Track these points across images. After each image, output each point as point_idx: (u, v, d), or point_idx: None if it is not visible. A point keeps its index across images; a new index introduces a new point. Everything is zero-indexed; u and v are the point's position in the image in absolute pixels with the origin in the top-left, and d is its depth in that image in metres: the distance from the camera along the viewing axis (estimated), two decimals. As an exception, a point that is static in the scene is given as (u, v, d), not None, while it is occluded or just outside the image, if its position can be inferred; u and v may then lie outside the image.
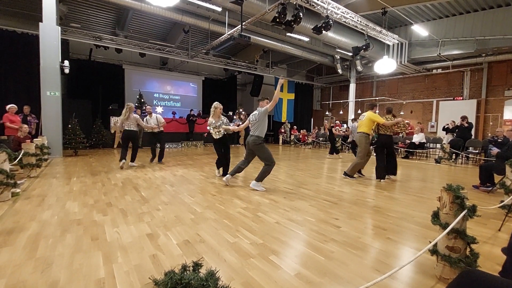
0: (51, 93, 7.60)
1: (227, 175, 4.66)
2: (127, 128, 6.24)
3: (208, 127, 5.18)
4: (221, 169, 5.47)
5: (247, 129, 5.70)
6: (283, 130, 16.23)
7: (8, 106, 7.01)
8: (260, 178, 4.38)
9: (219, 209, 3.30)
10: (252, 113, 4.52)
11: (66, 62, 7.98)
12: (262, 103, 4.43)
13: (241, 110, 16.14)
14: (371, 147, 6.37)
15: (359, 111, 15.83)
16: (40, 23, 7.40)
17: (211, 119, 5.08)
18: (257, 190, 4.30)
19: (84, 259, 2.00)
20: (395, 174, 5.44)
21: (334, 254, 2.16)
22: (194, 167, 6.53)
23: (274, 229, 2.67)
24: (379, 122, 5.21)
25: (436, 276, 1.85)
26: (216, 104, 5.11)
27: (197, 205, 3.45)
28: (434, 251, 1.83)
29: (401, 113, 15.51)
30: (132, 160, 6.52)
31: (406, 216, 3.18)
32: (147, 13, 9.37)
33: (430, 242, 1.69)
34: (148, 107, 6.71)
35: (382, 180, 5.27)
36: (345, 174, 5.53)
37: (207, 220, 2.89)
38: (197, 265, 0.90)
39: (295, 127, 16.36)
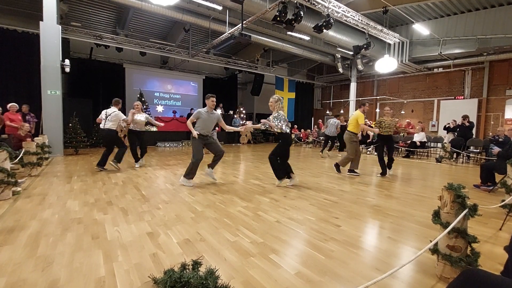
0: (51, 92, 7.60)
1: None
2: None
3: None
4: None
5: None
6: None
7: (9, 105, 7.02)
8: (186, 174, 4.45)
9: (219, 208, 3.30)
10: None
11: (67, 61, 7.98)
12: (207, 101, 4.50)
13: (241, 109, 16.16)
14: (372, 145, 6.54)
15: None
16: (40, 22, 7.40)
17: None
18: (184, 185, 4.43)
19: (85, 258, 2.00)
20: (390, 168, 5.94)
21: (334, 253, 2.16)
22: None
23: (274, 228, 2.67)
24: (360, 122, 5.52)
25: (437, 275, 1.84)
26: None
27: (198, 204, 3.45)
28: (434, 250, 1.83)
29: (402, 112, 15.48)
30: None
31: (406, 215, 3.18)
32: (147, 12, 9.36)
33: (431, 241, 1.68)
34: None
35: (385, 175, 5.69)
36: (336, 166, 5.88)
37: (208, 219, 2.89)
38: (196, 264, 0.90)
39: (295, 126, 16.35)
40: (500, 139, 7.12)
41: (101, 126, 5.61)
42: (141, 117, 6.23)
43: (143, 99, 12.68)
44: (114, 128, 5.64)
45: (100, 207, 3.25)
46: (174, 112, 13.93)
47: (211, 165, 4.75)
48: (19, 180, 4.06)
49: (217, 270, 0.92)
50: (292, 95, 17.71)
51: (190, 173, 4.44)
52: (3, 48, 9.52)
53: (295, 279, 1.78)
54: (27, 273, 1.79)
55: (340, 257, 2.09)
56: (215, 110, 4.72)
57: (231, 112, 15.05)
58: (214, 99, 4.56)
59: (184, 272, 0.85)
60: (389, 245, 2.35)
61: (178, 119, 13.08)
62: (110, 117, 5.55)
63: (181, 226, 2.68)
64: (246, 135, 14.83)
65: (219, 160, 4.78)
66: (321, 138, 13.92)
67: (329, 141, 9.82)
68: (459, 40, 11.01)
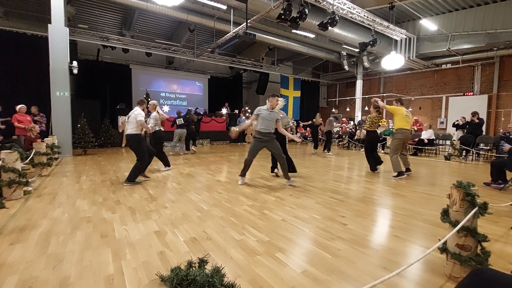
0: (60, 93, 7.73)
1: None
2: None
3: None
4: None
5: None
6: (289, 128, 16.15)
7: (18, 107, 7.17)
8: (242, 172, 4.59)
9: (225, 206, 3.32)
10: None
11: (75, 63, 8.10)
12: (273, 99, 4.46)
13: (247, 108, 16.15)
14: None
15: (366, 108, 15.66)
16: (49, 24, 7.52)
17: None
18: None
19: (94, 256, 2.04)
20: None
21: (341, 252, 2.15)
22: (201, 165, 6.56)
23: (280, 227, 2.67)
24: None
25: (446, 275, 1.82)
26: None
27: (204, 203, 3.47)
28: (443, 249, 1.80)
29: (410, 109, 15.26)
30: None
31: (414, 213, 3.14)
32: (153, 12, 9.43)
33: (440, 240, 1.66)
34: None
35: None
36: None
37: (214, 218, 2.90)
38: (202, 262, 0.91)
39: (301, 124, 16.27)
40: (510, 136, 6.97)
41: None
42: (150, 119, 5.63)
43: (149, 99, 12.80)
44: (135, 133, 4.58)
45: (109, 206, 3.30)
46: (180, 112, 14.00)
47: (285, 176, 4.54)
48: (30, 180, 4.15)
49: (223, 268, 0.93)
50: (298, 93, 17.63)
51: (243, 171, 4.58)
52: (13, 51, 9.73)
53: (302, 277, 1.78)
54: (39, 270, 1.83)
55: (347, 256, 2.08)
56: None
57: (237, 111, 15.07)
58: (279, 99, 4.59)
59: (191, 270, 0.86)
60: (396, 243, 2.33)
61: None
62: (129, 119, 4.61)
63: (187, 224, 2.70)
64: (251, 134, 14.84)
65: (285, 167, 4.52)
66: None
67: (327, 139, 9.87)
68: (468, 35, 10.78)
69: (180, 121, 8.52)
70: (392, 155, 5.33)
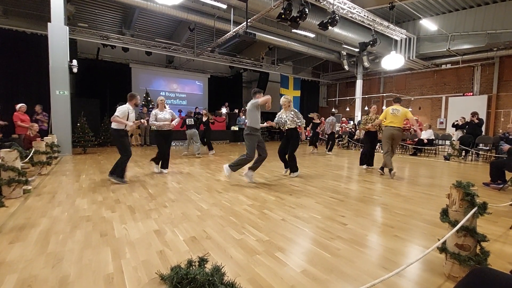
0: (60, 92, 7.72)
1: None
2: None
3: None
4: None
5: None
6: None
7: (18, 106, 7.16)
8: (234, 167, 4.55)
9: (225, 206, 3.32)
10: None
11: (75, 62, 8.08)
12: (260, 95, 4.67)
13: (247, 107, 16.14)
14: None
15: (366, 108, 15.67)
16: (48, 23, 7.50)
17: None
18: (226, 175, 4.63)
19: (93, 255, 2.03)
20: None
21: (340, 252, 2.15)
22: (201, 165, 6.56)
23: (280, 226, 2.67)
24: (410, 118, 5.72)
25: (445, 274, 1.82)
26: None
27: (204, 202, 3.47)
28: (443, 248, 1.80)
29: (409, 109, 15.26)
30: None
31: (414, 213, 3.14)
32: (153, 11, 9.42)
33: (439, 240, 1.66)
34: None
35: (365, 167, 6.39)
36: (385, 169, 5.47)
37: (214, 217, 2.90)
38: (202, 261, 0.91)
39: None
40: (510, 136, 6.98)
41: None
42: (165, 114, 5.38)
43: (149, 98, 12.81)
44: (116, 128, 4.43)
45: (108, 205, 3.30)
46: (180, 111, 14.01)
47: (253, 168, 4.70)
48: (30, 179, 4.14)
49: (223, 267, 0.93)
50: (297, 93, 17.63)
51: (237, 167, 4.56)
52: (13, 50, 9.71)
53: (301, 277, 1.78)
54: (38, 269, 1.83)
55: (346, 256, 2.09)
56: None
57: (237, 110, 15.07)
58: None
59: (191, 268, 0.86)
60: (396, 243, 2.33)
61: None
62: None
63: (187, 224, 2.70)
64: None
65: (262, 160, 4.74)
66: (326, 136, 13.86)
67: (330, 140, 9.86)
68: (468, 35, 10.79)
69: (190, 121, 8.26)
70: (383, 153, 5.53)
